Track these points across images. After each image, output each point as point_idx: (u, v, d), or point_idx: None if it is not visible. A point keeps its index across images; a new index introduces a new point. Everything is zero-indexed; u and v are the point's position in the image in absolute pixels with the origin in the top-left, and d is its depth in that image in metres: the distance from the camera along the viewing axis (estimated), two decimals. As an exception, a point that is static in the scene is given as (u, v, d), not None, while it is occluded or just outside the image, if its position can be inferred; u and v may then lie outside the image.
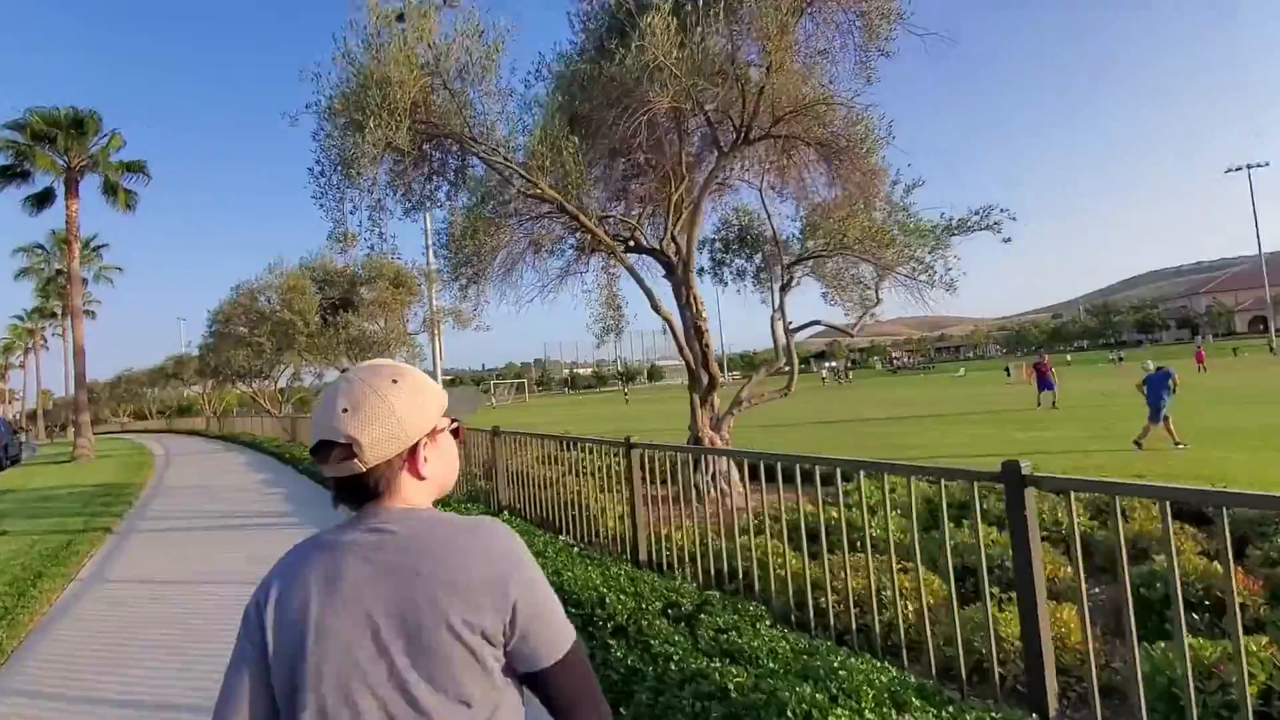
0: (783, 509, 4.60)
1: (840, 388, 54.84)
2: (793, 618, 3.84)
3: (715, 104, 6.40)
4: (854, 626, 3.62)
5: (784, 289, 8.18)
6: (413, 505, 1.04)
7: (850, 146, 6.27)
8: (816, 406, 29.97)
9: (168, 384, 53.80)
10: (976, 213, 7.83)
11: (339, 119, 5.98)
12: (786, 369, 7.97)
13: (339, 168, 6.43)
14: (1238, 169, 72.89)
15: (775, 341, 8.44)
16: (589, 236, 9.13)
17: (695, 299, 6.99)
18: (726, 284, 11.29)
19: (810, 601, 3.81)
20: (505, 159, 5.89)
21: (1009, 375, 47.89)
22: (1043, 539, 2.91)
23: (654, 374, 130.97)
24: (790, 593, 3.99)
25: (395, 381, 1.03)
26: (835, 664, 2.93)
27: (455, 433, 1.14)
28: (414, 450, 1.04)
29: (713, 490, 7.55)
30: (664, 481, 5.65)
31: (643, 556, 5.28)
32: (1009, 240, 7.79)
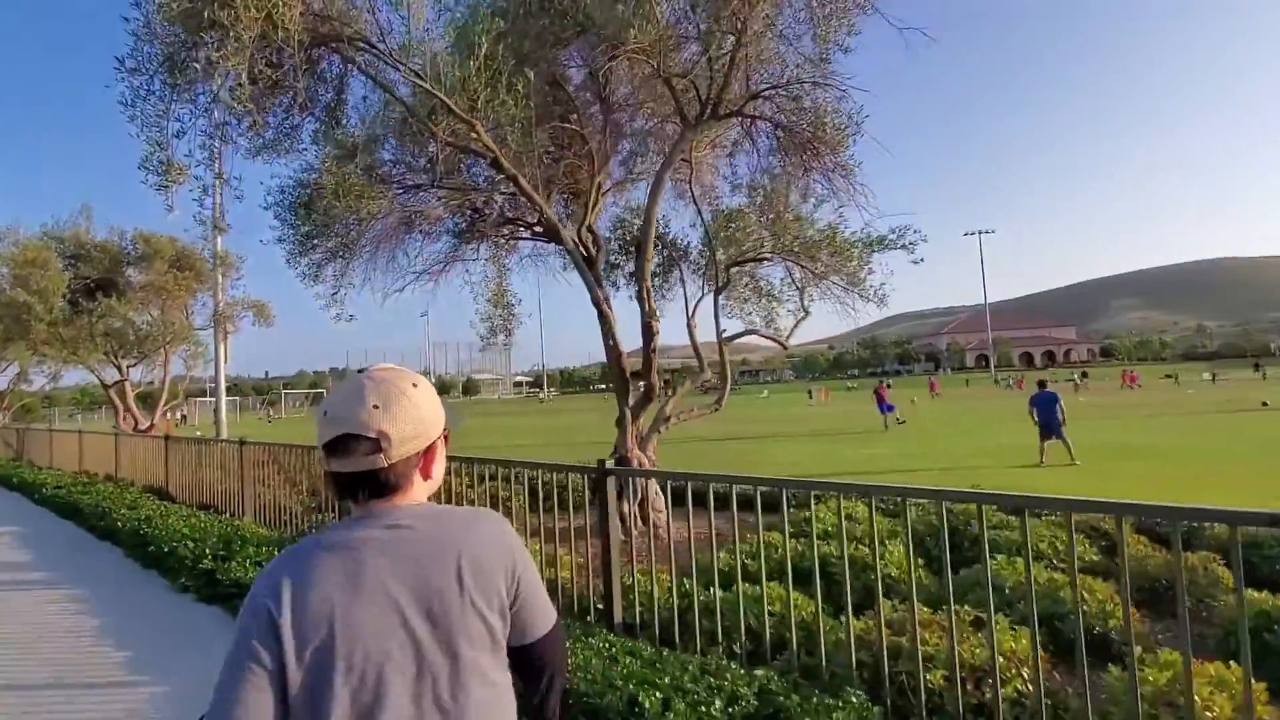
0: (761, 543, 3.76)
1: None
2: (887, 701, 2.97)
3: (682, 68, 5.51)
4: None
5: (718, 292, 7.45)
6: (418, 501, 1.09)
7: (822, 136, 5.72)
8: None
9: None
10: (893, 231, 7.77)
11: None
12: (715, 382, 7.24)
13: (166, 69, 4.43)
14: (972, 233, 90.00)
15: (696, 351, 7.68)
16: (476, 218, 7.71)
17: (648, 294, 5.95)
18: (619, 287, 10.35)
19: (889, 672, 3.00)
20: (428, 87, 4.39)
21: (810, 397, 52.63)
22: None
23: (470, 388, 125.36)
24: (851, 657, 3.15)
25: (415, 385, 1.08)
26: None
27: (445, 438, 1.17)
28: (429, 450, 1.10)
29: (636, 519, 6.53)
30: (576, 508, 4.73)
31: (618, 617, 4.10)
32: (920, 261, 7.81)
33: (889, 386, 26.53)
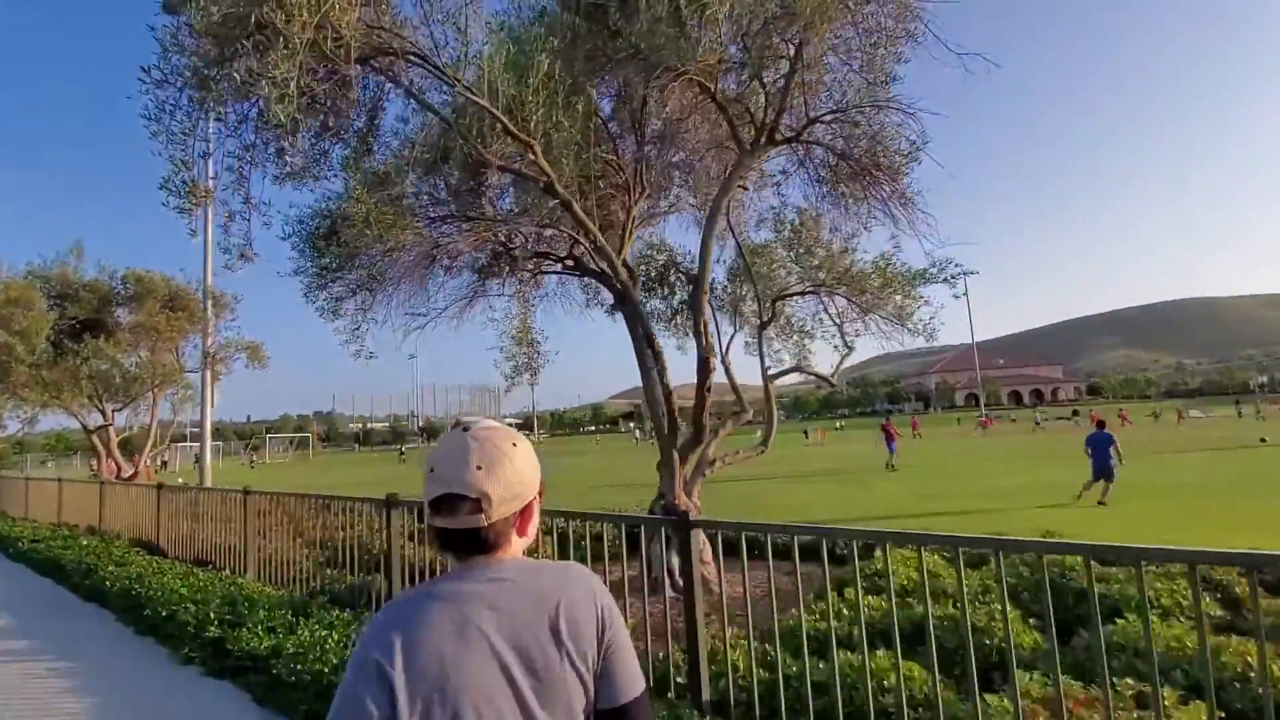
0: (861, 601, 3.30)
1: (647, 447, 55.61)
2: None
3: (735, 92, 5.23)
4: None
5: (763, 327, 7.06)
6: (515, 556, 1.12)
7: (881, 162, 5.43)
8: (646, 467, 29.43)
9: None
10: (934, 264, 7.49)
11: (213, 6, 3.70)
12: (759, 421, 6.80)
13: (195, 83, 4.04)
14: (957, 275, 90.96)
15: (735, 389, 7.26)
16: (503, 252, 7.33)
17: (705, 328, 5.53)
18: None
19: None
20: (485, 103, 4.02)
21: (807, 437, 52.13)
22: None
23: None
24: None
25: (515, 445, 1.10)
26: None
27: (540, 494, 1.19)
28: (526, 509, 1.12)
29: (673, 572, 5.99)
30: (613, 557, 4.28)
31: (706, 694, 3.56)
32: (961, 296, 7.51)
33: (894, 423, 26.22)
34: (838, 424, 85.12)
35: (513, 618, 1.03)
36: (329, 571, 6.83)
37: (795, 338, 8.72)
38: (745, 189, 6.39)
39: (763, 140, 5.27)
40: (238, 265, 4.74)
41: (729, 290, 9.38)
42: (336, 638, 4.76)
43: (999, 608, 4.46)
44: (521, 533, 1.13)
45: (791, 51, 5.23)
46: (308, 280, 6.49)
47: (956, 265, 7.47)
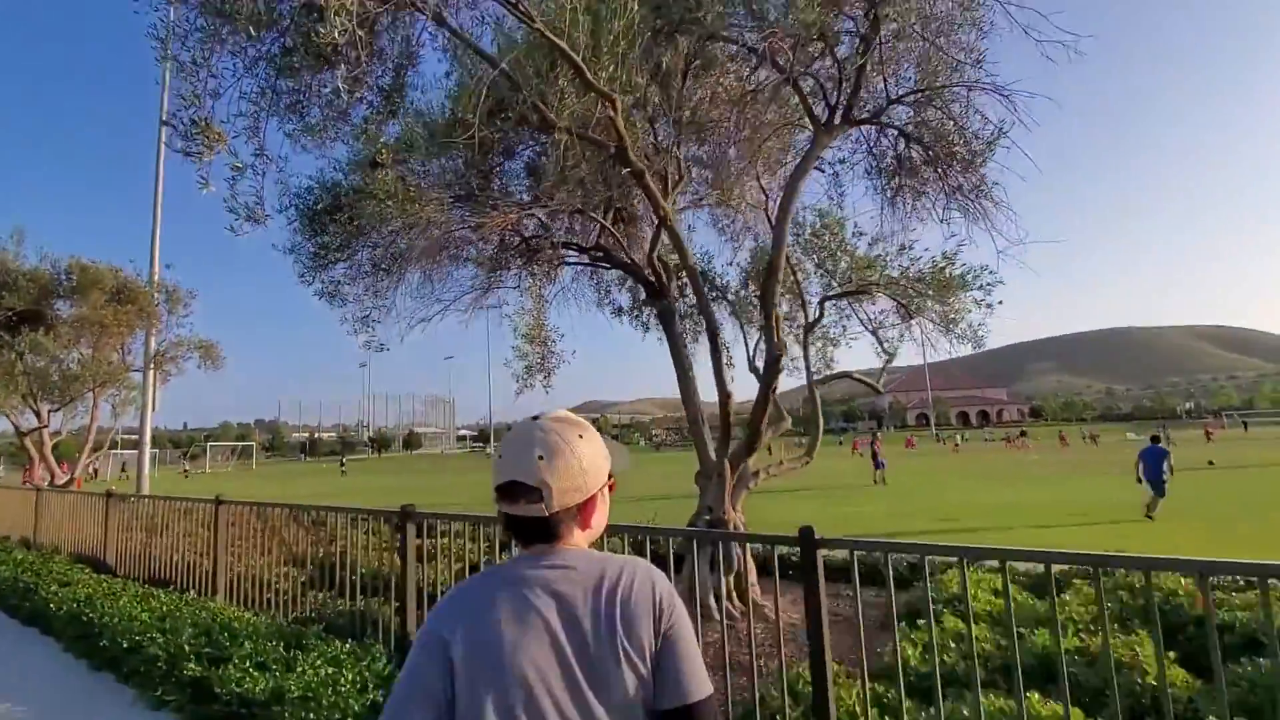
0: (972, 633, 2.79)
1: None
2: None
3: (807, 67, 4.75)
4: None
5: (809, 329, 6.57)
6: (579, 547, 1.13)
7: (958, 152, 5.01)
8: (623, 479, 28.70)
9: None
10: (970, 271, 7.16)
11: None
12: (797, 431, 6.28)
13: (214, 6, 3.31)
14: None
15: (773, 395, 6.74)
16: (522, 240, 6.68)
17: (777, 323, 4.96)
18: (648, 327, 9.41)
19: None
20: (564, 46, 3.39)
21: (770, 453, 52.25)
22: None
23: (411, 441, 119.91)
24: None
25: (581, 436, 1.11)
26: None
27: (610, 487, 1.20)
28: (589, 501, 1.12)
29: (733, 596, 5.44)
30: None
31: (837, 748, 2.96)
32: (994, 306, 7.19)
33: (882, 441, 26.16)
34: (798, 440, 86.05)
35: (571, 604, 1.04)
36: (317, 595, 6.00)
37: (819, 344, 8.28)
38: (821, 170, 5.90)
39: (837, 119, 4.81)
40: (244, 229, 3.99)
41: (739, 293, 8.94)
42: (350, 677, 4.00)
43: (1121, 636, 4.03)
44: (585, 525, 1.13)
45: (865, 27, 4.80)
46: (305, 260, 5.71)
47: (991, 272, 7.16)
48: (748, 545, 5.58)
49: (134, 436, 20.88)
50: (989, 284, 7.17)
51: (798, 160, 5.35)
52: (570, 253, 6.91)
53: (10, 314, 14.54)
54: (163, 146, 20.33)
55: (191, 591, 6.50)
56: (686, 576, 5.43)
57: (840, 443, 74.79)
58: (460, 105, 4.50)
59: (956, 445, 54.51)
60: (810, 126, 4.97)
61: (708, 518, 5.53)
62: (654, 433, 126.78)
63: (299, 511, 6.31)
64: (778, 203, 5.01)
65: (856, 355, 8.45)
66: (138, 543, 7.90)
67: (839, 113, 4.86)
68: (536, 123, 4.05)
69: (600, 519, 1.17)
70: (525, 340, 7.30)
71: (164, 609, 5.71)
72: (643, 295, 9.47)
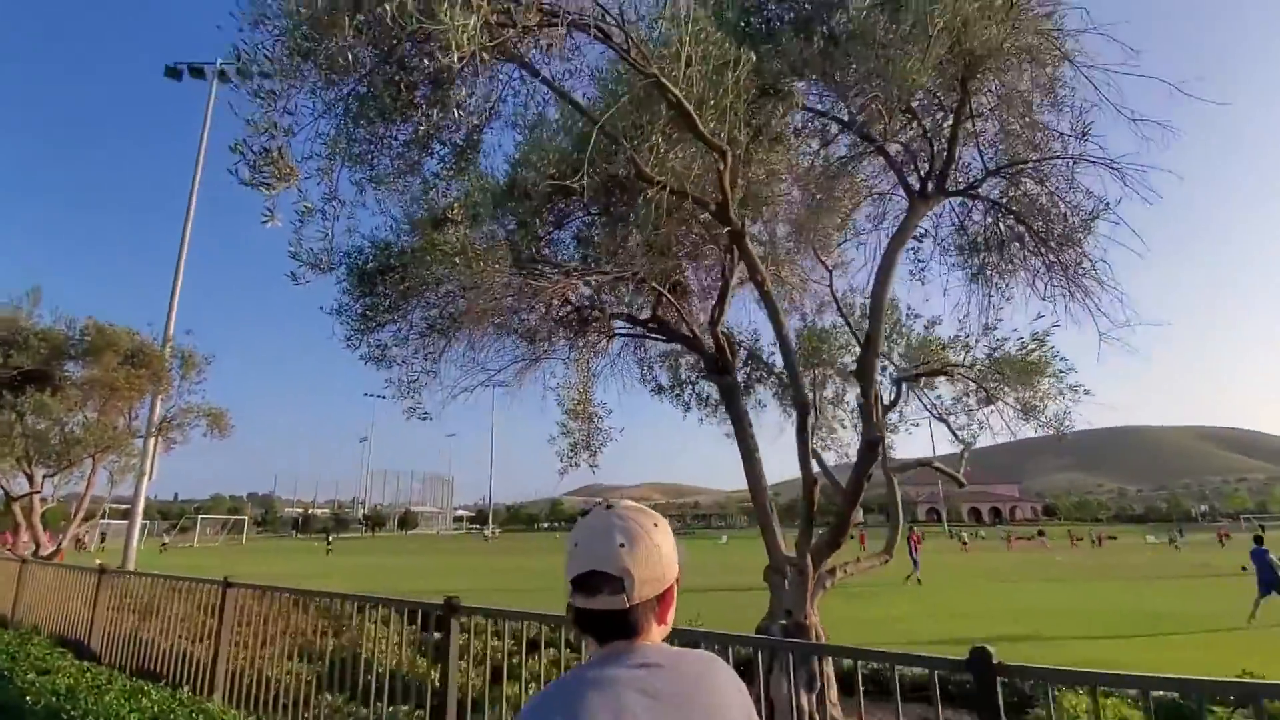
0: None
1: None
2: None
3: (894, 135, 4.55)
4: None
5: (887, 410, 6.10)
6: (656, 644, 1.07)
7: (1055, 229, 4.72)
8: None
9: None
10: (1044, 355, 6.76)
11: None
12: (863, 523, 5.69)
13: (299, 37, 3.09)
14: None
15: (815, 481, 6.19)
16: (567, 310, 6.35)
17: (877, 402, 4.49)
18: (689, 408, 8.96)
19: None
20: (680, 98, 3.14)
21: (780, 546, 50.27)
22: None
23: (407, 521, 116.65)
24: None
25: (656, 525, 1.07)
26: None
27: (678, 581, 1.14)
28: (666, 594, 1.07)
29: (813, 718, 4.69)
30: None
31: None
32: (1079, 392, 6.75)
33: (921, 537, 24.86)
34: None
35: (668, 706, 0.99)
36: (330, 697, 5.24)
37: (899, 427, 7.80)
38: (918, 240, 5.60)
39: (929, 189, 4.55)
40: (307, 276, 3.64)
41: (774, 376, 8.55)
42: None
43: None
44: (662, 619, 1.08)
45: (955, 100, 4.62)
46: (353, 321, 5.34)
47: (1062, 359, 6.75)
48: (829, 660, 4.88)
49: (123, 506, 19.96)
50: (1061, 372, 6.77)
51: (886, 231, 5.07)
52: (622, 324, 6.56)
53: (16, 373, 14.18)
54: (191, 213, 20.70)
55: (185, 688, 5.72)
56: (775, 692, 4.71)
57: (852, 536, 72.25)
58: (538, 160, 4.24)
59: (965, 543, 52.30)
60: (904, 195, 4.71)
61: (784, 622, 4.86)
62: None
63: (311, 599, 5.64)
64: (873, 275, 4.69)
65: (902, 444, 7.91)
66: (128, 626, 7.14)
67: (931, 183, 4.61)
68: (630, 179, 3.76)
69: (672, 613, 1.12)
70: (570, 415, 6.83)
71: (154, 710, 4.97)
72: (687, 372, 9.06)
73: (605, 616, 1.01)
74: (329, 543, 63.77)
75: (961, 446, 6.62)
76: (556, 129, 4.36)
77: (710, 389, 8.79)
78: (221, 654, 5.69)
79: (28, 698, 5.23)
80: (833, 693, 4.92)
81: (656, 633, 1.07)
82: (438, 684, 5.08)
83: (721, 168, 3.57)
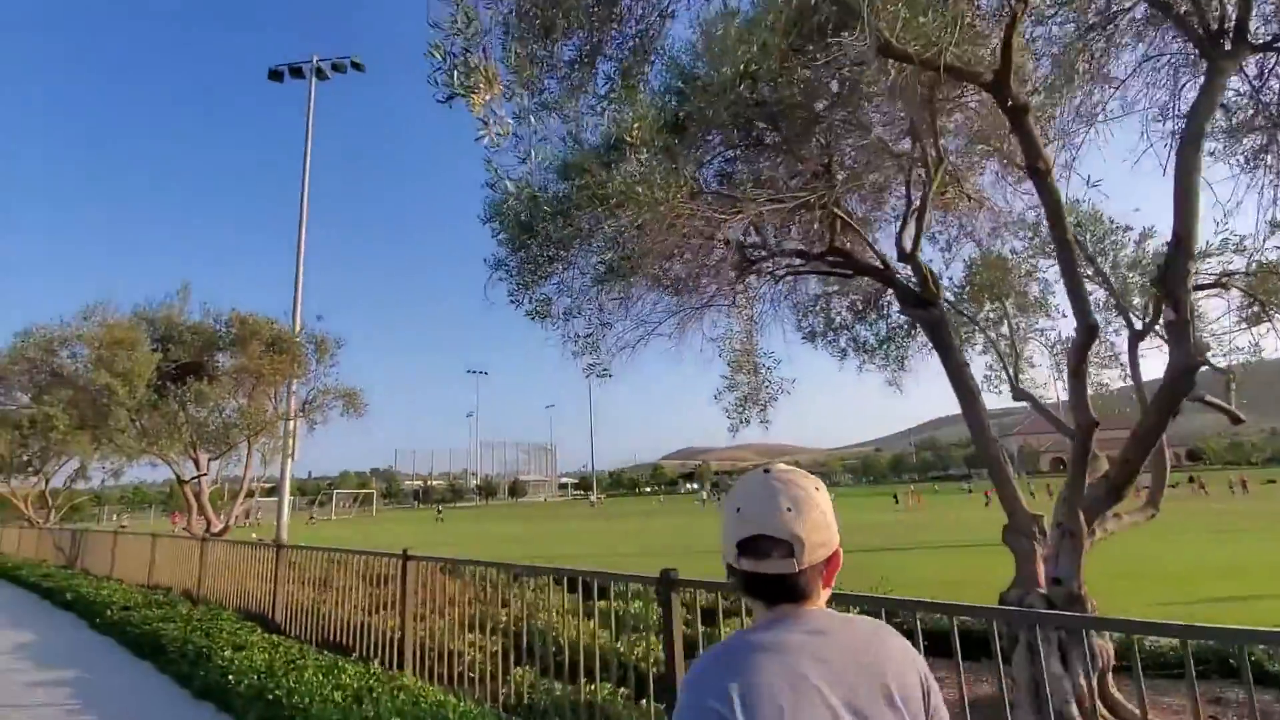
0: None
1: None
2: None
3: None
4: None
5: (1139, 337, 5.07)
6: (823, 609, 1.07)
7: None
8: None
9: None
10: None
11: None
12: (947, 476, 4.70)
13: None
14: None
15: (1056, 422, 5.23)
16: (750, 245, 5.62)
17: (1193, 316, 3.58)
18: (847, 353, 8.09)
19: None
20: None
21: (897, 502, 48.25)
22: None
23: (516, 490, 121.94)
24: None
25: (817, 489, 1.05)
26: None
27: None
28: (832, 557, 1.06)
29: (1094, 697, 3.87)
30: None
31: None
32: None
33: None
34: (935, 487, 79.08)
35: (842, 674, 0.97)
36: (521, 673, 4.96)
37: (1018, 358, 6.70)
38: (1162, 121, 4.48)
39: (1225, 45, 3.48)
40: (505, 187, 3.14)
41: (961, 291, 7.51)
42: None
43: None
44: (828, 583, 1.07)
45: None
46: (515, 275, 4.89)
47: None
48: (1107, 636, 4.04)
49: (266, 485, 21.45)
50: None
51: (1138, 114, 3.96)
52: (792, 262, 5.79)
53: (174, 366, 15.19)
54: (305, 205, 21.49)
55: (377, 662, 5.65)
56: (1022, 673, 3.97)
57: (969, 490, 68.52)
58: (722, 59, 3.52)
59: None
60: (1200, 53, 3.61)
61: (1043, 591, 4.05)
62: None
63: (499, 570, 5.36)
64: (1170, 157, 3.66)
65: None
66: (307, 599, 7.28)
67: (1225, 40, 3.52)
68: (874, 54, 2.99)
69: (835, 578, 1.09)
70: (735, 368, 6.19)
71: (353, 686, 4.86)
72: (841, 315, 8.22)
73: (775, 580, 1.02)
74: (439, 512, 67.38)
75: (1227, 374, 5.44)
76: (745, 21, 3.63)
77: (865, 332, 7.91)
78: (409, 627, 5.55)
79: (230, 677, 5.27)
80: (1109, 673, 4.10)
81: (823, 597, 1.06)
82: (638, 662, 4.70)
83: (1009, 30, 2.71)
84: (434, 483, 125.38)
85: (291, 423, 17.12)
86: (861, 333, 8.01)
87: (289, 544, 7.81)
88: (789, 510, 1.00)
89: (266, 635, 6.76)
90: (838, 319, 7.97)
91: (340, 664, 5.36)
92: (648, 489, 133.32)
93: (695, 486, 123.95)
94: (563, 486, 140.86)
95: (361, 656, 5.79)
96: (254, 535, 23.24)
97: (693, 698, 0.96)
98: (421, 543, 26.78)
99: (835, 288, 7.72)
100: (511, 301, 4.82)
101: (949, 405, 6.96)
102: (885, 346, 7.84)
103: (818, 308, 7.93)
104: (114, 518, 73.51)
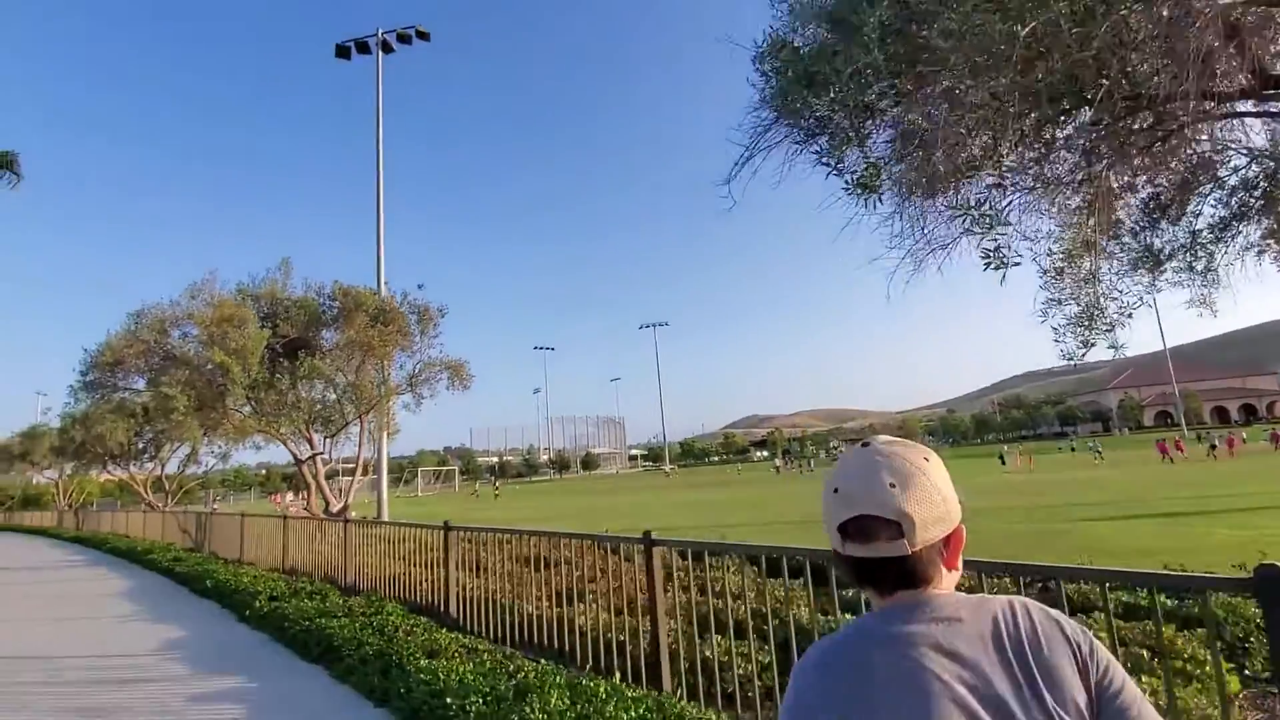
0: None
1: (806, 478, 49.84)
2: None
3: None
4: None
5: None
6: (949, 593, 0.92)
7: None
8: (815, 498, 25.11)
9: (12, 467, 41.38)
10: None
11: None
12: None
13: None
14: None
15: None
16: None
17: None
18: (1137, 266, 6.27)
19: None
20: None
21: (1004, 463, 45.04)
22: None
23: (588, 463, 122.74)
24: None
25: (927, 460, 0.93)
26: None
27: None
28: (953, 535, 0.92)
29: None
30: None
31: None
32: None
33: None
34: (1059, 446, 74.26)
35: (975, 665, 0.84)
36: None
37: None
38: None
39: None
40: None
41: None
42: None
43: None
44: (951, 564, 0.93)
45: None
46: (806, 136, 3.35)
47: None
48: None
49: (349, 465, 21.00)
50: None
51: None
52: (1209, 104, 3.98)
53: (282, 342, 14.55)
54: (380, 174, 20.53)
55: (582, 664, 4.37)
56: None
57: (1073, 449, 63.78)
58: None
59: (1214, 448, 40.03)
60: None
61: None
62: (832, 445, 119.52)
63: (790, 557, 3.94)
64: None
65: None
66: (480, 589, 6.14)
67: None
68: None
69: (960, 559, 0.94)
70: (1052, 276, 4.51)
71: (605, 710, 3.57)
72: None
73: (885, 565, 0.89)
74: (496, 488, 66.91)
75: None
76: None
77: (1159, 238, 6.05)
78: (662, 628, 4.22)
79: (447, 700, 4.08)
80: None
81: (947, 579, 0.92)
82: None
83: None
84: (509, 458, 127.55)
85: (388, 401, 16.38)
86: (1154, 240, 6.17)
87: (457, 525, 6.65)
88: (893, 485, 0.87)
89: (451, 634, 5.64)
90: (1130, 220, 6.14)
91: (589, 685, 4.07)
92: (714, 458, 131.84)
93: (767, 454, 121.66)
94: (632, 458, 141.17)
95: (596, 670, 4.52)
96: (351, 514, 23.10)
97: (797, 699, 0.89)
98: (553, 518, 26.13)
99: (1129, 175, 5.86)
100: (823, 163, 3.30)
101: (1025, 363, 5.07)
102: (1190, 251, 5.96)
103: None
104: (220, 500, 77.47)
